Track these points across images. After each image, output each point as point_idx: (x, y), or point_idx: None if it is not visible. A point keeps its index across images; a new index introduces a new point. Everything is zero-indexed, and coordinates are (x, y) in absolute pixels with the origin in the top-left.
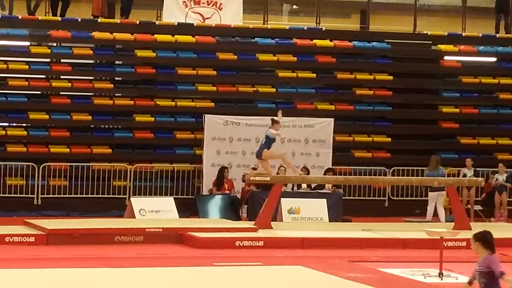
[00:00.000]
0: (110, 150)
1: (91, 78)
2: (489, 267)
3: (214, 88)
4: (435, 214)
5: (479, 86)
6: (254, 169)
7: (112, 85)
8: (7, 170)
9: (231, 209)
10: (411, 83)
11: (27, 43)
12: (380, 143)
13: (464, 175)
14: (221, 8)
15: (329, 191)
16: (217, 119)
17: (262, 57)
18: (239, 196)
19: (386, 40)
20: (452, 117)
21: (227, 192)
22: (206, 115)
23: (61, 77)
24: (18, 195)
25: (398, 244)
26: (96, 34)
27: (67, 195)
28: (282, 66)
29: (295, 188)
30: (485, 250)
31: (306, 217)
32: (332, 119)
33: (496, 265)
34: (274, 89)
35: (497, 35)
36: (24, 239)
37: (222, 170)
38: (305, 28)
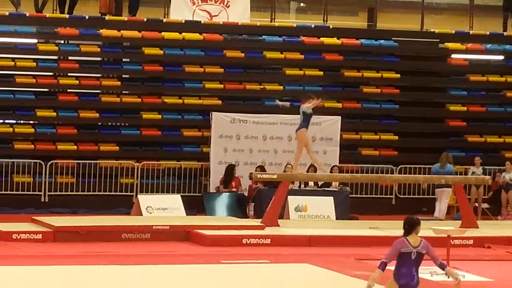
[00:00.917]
0: (117, 148)
1: (99, 75)
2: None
3: (221, 86)
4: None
5: (487, 84)
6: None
7: (119, 83)
8: (14, 168)
9: (238, 207)
10: (418, 81)
11: (35, 41)
12: (387, 141)
13: (473, 173)
14: (229, 5)
15: (336, 189)
16: (224, 117)
17: (269, 54)
18: (246, 193)
19: (393, 38)
20: (460, 115)
21: (234, 189)
22: (213, 113)
23: (69, 74)
24: (25, 192)
25: None
26: (104, 32)
27: (74, 193)
28: (289, 64)
29: (302, 185)
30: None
31: (313, 215)
32: (339, 117)
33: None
34: (281, 87)
35: (505, 33)
36: (32, 236)
37: (231, 168)
38: (313, 26)
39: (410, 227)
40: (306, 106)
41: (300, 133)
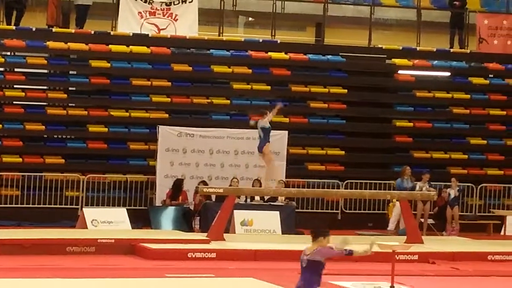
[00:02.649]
0: (63, 160)
1: (45, 87)
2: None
3: (169, 100)
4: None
5: (433, 101)
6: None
7: (66, 95)
8: None
9: (184, 221)
10: (365, 96)
11: None
12: (333, 156)
13: (421, 189)
14: (177, 19)
15: (282, 204)
16: (171, 130)
17: (217, 68)
18: (192, 207)
19: (340, 54)
20: (406, 131)
21: (180, 203)
22: (160, 126)
23: (15, 86)
24: None
25: (351, 257)
26: (51, 44)
27: (19, 205)
28: (237, 78)
29: (248, 200)
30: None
31: (259, 229)
32: (286, 131)
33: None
34: (228, 101)
35: (451, 50)
36: None
37: (179, 182)
38: (260, 40)
39: (313, 236)
40: (264, 121)
41: (265, 149)
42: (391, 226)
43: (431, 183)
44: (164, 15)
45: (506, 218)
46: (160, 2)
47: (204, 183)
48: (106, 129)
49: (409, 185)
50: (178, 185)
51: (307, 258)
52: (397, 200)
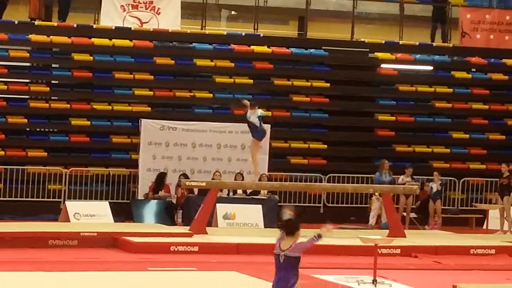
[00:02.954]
0: (46, 154)
1: (27, 81)
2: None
3: (151, 93)
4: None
5: (415, 94)
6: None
7: (48, 88)
8: None
9: (166, 214)
10: (347, 90)
11: None
12: (316, 149)
13: (404, 183)
14: (159, 12)
15: (265, 197)
16: (154, 124)
17: (200, 62)
18: (174, 201)
19: (323, 47)
20: (388, 125)
21: (163, 196)
22: (142, 120)
23: None
24: None
25: (333, 251)
26: (33, 37)
27: (1, 198)
28: (220, 72)
29: (231, 193)
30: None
31: (241, 222)
32: (269, 125)
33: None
34: (211, 95)
35: (434, 44)
36: None
37: (162, 176)
38: (243, 34)
39: (288, 231)
40: (261, 111)
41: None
42: (372, 220)
43: (413, 177)
44: (146, 9)
45: (488, 212)
46: None
47: (185, 176)
48: (88, 123)
49: (387, 179)
50: (161, 179)
51: (285, 254)
52: (379, 195)
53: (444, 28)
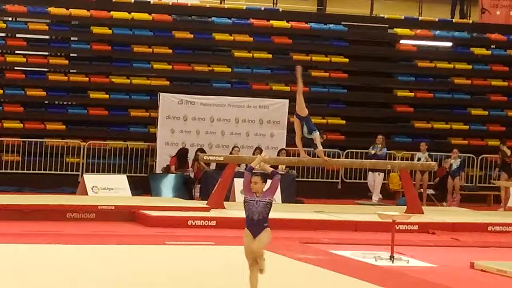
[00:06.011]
0: (64, 127)
1: (46, 53)
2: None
3: (170, 67)
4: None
5: (434, 71)
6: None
7: (67, 61)
8: None
9: (184, 188)
10: (366, 66)
11: None
12: (334, 125)
13: (419, 159)
14: None
15: (283, 172)
16: (172, 98)
17: (218, 36)
18: (192, 175)
19: (342, 23)
20: (407, 101)
21: (181, 171)
22: (161, 94)
23: (16, 52)
24: None
25: (350, 227)
26: (52, 10)
27: (20, 171)
28: (238, 46)
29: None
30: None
31: None
32: (287, 100)
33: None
34: (229, 69)
35: (453, 20)
36: None
37: (186, 152)
38: (262, 8)
39: (263, 179)
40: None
41: None
42: (375, 198)
43: (431, 153)
44: None
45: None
46: None
47: (202, 150)
48: (107, 96)
49: (377, 152)
50: (184, 155)
51: (262, 200)
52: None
53: (463, 4)
